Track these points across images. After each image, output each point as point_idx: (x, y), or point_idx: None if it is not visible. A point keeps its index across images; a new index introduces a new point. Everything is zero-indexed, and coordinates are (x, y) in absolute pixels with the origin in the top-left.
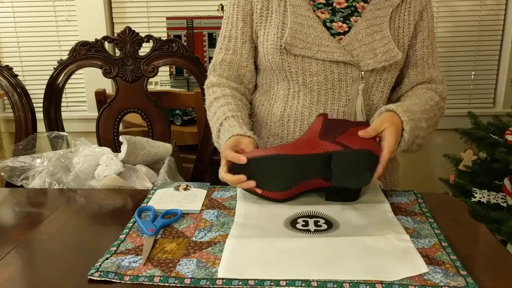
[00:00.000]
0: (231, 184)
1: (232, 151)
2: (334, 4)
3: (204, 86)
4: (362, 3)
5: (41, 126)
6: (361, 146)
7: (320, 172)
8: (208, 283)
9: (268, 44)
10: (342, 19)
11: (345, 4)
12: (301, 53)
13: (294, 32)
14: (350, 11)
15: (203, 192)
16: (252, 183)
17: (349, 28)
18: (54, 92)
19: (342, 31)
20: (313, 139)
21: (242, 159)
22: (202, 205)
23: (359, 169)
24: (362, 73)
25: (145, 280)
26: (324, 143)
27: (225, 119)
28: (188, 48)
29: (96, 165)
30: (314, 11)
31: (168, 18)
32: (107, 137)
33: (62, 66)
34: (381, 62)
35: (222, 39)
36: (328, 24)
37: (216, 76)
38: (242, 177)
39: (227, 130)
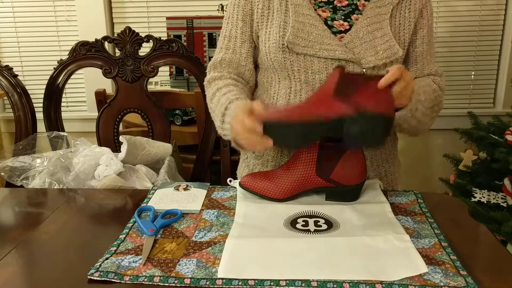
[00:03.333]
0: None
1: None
2: (335, 2)
3: (205, 83)
4: (362, 1)
5: (41, 126)
6: (375, 106)
7: (333, 132)
8: (208, 283)
9: (270, 43)
10: (343, 17)
11: (346, 2)
12: (303, 52)
13: (296, 31)
14: (351, 9)
15: (203, 192)
16: (269, 143)
17: (350, 26)
18: (54, 92)
19: (343, 29)
20: (327, 97)
21: (258, 129)
22: (202, 205)
23: (372, 132)
24: (364, 70)
25: (145, 280)
26: (338, 104)
27: (229, 102)
28: (188, 48)
29: (96, 165)
30: (315, 9)
31: (168, 18)
32: (107, 137)
33: (62, 66)
34: (382, 59)
35: (222, 39)
36: (329, 22)
37: (216, 72)
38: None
39: (233, 110)
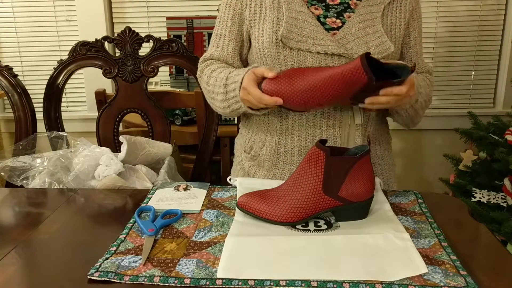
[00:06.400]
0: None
1: (255, 85)
2: (327, 0)
3: (197, 74)
4: (354, 0)
5: (41, 126)
6: (361, 194)
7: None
8: (208, 283)
9: (263, 39)
10: (335, 15)
11: (338, 1)
12: (297, 46)
13: (290, 26)
14: (343, 7)
15: (203, 192)
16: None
17: (343, 23)
18: (54, 92)
19: (335, 26)
20: (318, 193)
21: (279, 101)
22: (202, 205)
23: (359, 214)
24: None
25: (145, 280)
26: (327, 200)
27: (229, 73)
28: (188, 48)
29: (96, 165)
30: (308, 7)
31: (168, 18)
32: (107, 137)
33: (62, 66)
34: (374, 55)
35: (214, 37)
36: (322, 19)
37: (208, 61)
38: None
39: (237, 74)
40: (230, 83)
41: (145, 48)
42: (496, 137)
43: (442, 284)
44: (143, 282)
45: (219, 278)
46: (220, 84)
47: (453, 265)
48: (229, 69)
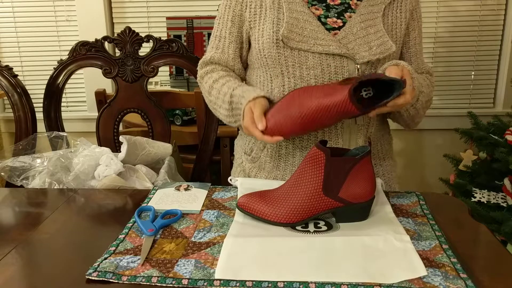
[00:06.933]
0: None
1: (255, 126)
2: (328, 0)
3: (198, 79)
4: (355, 0)
5: (41, 126)
6: (361, 195)
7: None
8: (205, 284)
9: (264, 39)
10: (336, 15)
11: (339, 1)
12: (298, 46)
13: (291, 26)
14: (343, 8)
15: (204, 193)
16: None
17: (344, 23)
18: (54, 92)
19: (336, 26)
20: (318, 193)
21: (280, 139)
22: (203, 205)
23: (359, 215)
24: (358, 65)
25: (143, 280)
26: (327, 201)
27: (233, 90)
28: (188, 48)
29: (96, 165)
30: (308, 7)
31: (168, 18)
32: (107, 137)
33: (62, 66)
34: (376, 55)
35: (213, 38)
36: (322, 19)
37: (208, 67)
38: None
39: (241, 96)
40: (236, 102)
41: (145, 48)
42: (496, 137)
43: (441, 286)
44: (141, 283)
45: (217, 279)
46: (224, 99)
47: (453, 268)
48: (231, 81)
